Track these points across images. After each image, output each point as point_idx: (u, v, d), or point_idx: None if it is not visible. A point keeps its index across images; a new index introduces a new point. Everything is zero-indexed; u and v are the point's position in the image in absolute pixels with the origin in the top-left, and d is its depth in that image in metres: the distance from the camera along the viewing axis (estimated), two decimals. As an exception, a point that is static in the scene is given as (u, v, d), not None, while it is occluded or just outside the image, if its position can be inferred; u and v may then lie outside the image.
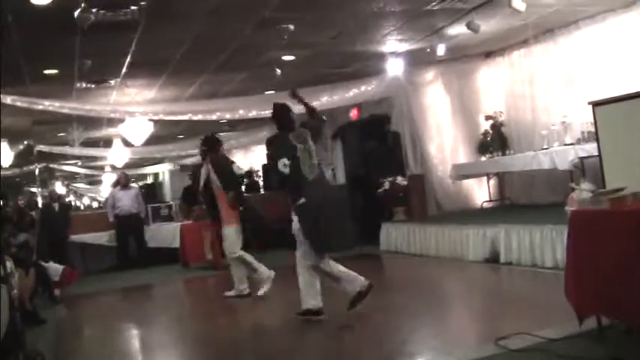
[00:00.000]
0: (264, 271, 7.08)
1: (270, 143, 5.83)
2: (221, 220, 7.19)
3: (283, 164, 5.44)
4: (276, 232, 11.92)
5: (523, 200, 10.45)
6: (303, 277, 5.55)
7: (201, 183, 7.55)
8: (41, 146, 14.96)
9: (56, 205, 11.68)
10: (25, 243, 8.36)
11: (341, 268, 5.50)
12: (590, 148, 7.35)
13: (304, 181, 5.41)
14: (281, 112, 5.76)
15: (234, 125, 16.36)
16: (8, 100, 8.88)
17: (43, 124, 12.67)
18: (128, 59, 8.64)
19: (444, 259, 8.57)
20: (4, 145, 12.33)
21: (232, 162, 7.69)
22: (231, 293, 7.18)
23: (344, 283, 5.44)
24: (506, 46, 10.63)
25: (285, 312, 6.25)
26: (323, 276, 5.53)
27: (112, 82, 9.98)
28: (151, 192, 13.99)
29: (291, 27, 7.88)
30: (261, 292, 6.99)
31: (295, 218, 5.49)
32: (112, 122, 12.81)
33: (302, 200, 5.36)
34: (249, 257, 7.11)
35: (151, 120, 11.63)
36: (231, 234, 7.08)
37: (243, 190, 11.23)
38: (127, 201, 11.61)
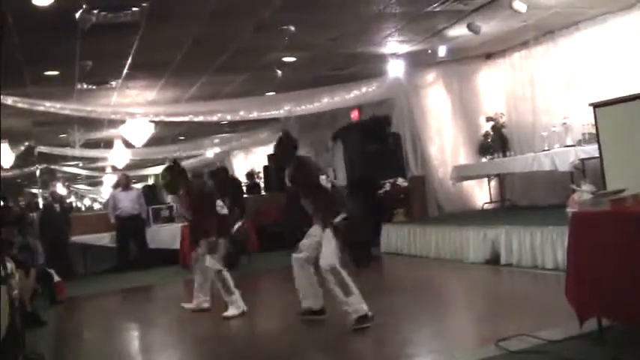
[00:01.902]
0: (238, 299, 6.31)
1: (302, 163, 5.57)
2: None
3: (325, 179, 5.44)
4: (274, 233, 11.95)
5: (524, 202, 10.45)
6: (302, 278, 5.52)
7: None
8: (42, 147, 14.97)
9: (57, 207, 11.68)
10: (26, 244, 8.34)
11: (352, 281, 5.32)
12: (591, 150, 7.34)
13: (340, 199, 5.48)
14: (293, 142, 5.68)
15: (234, 126, 16.38)
16: (9, 101, 8.90)
17: (44, 125, 12.68)
18: (129, 61, 8.65)
19: (445, 261, 8.57)
20: (5, 146, 12.35)
21: (211, 194, 6.69)
22: (191, 306, 6.69)
23: (354, 298, 5.18)
24: (506, 48, 10.63)
25: (285, 313, 6.24)
26: (337, 283, 5.24)
27: (113, 83, 9.99)
28: (152, 193, 13.96)
29: (292, 28, 7.89)
30: (228, 314, 6.22)
31: (319, 231, 5.38)
32: (112, 123, 12.84)
33: (343, 215, 5.30)
34: (228, 276, 6.37)
35: (151, 121, 11.65)
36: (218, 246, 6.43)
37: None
38: (128, 202, 11.61)
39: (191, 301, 6.76)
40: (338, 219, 5.29)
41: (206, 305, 6.61)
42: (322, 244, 5.29)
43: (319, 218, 5.42)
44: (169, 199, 12.74)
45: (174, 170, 6.60)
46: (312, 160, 5.75)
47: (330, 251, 5.24)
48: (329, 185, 5.45)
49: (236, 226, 6.58)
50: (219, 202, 6.55)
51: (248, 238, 6.73)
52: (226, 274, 6.35)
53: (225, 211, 6.60)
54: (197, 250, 6.65)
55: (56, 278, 8.27)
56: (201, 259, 6.52)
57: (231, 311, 6.22)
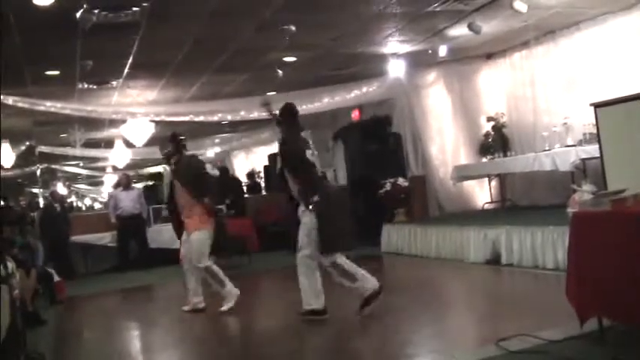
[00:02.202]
0: (232, 288, 6.37)
1: (290, 136, 5.62)
2: (186, 226, 6.40)
3: (311, 154, 5.49)
4: (275, 233, 11.96)
5: (524, 202, 10.45)
6: (305, 278, 5.52)
7: (166, 192, 6.80)
8: (43, 147, 14.98)
9: (57, 206, 11.69)
10: (27, 244, 8.36)
11: (355, 266, 5.49)
12: (592, 150, 7.34)
13: (319, 180, 5.54)
14: (293, 112, 5.75)
15: (235, 126, 16.38)
16: (10, 101, 8.90)
17: (45, 125, 12.69)
18: (130, 60, 8.65)
19: (445, 261, 8.57)
20: (6, 146, 12.35)
21: (203, 163, 6.78)
22: (187, 308, 6.60)
23: (361, 281, 5.41)
24: (507, 48, 10.64)
25: (286, 313, 6.24)
26: (340, 274, 5.44)
27: (114, 83, 10.00)
28: (153, 193, 13.98)
29: (293, 28, 7.89)
30: (224, 308, 6.30)
31: (308, 216, 5.44)
32: (113, 123, 12.84)
33: (316, 197, 5.37)
34: (216, 269, 6.34)
35: (152, 121, 11.64)
36: (202, 240, 6.30)
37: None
38: (129, 202, 11.61)
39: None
40: (315, 198, 5.35)
41: (201, 306, 6.56)
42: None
43: (302, 196, 5.46)
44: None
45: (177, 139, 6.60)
46: (303, 136, 5.67)
47: (310, 245, 5.41)
48: (315, 161, 5.49)
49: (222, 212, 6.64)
50: (208, 166, 6.61)
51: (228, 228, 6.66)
52: (214, 267, 6.34)
53: (216, 172, 6.65)
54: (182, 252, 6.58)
55: (56, 278, 8.28)
56: (187, 259, 6.46)
57: (228, 304, 6.25)
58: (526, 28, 8.99)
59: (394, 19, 8.11)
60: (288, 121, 5.72)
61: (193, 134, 17.48)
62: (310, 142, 5.65)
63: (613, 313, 3.84)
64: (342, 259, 5.45)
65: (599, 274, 3.82)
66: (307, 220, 5.45)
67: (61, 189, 21.37)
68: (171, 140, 6.58)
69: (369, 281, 5.41)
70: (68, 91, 10.07)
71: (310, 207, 5.38)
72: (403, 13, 7.89)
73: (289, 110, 5.76)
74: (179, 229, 6.62)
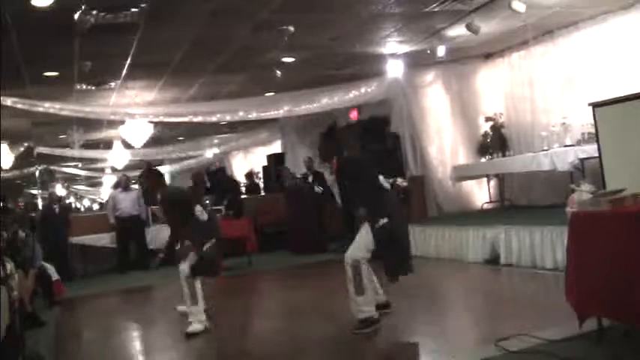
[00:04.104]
0: (201, 313, 5.87)
1: (357, 162, 5.43)
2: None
3: (383, 179, 5.36)
4: (274, 234, 11.97)
5: (523, 201, 10.45)
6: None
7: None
8: (41, 148, 14.97)
9: (56, 207, 11.69)
10: (27, 245, 8.34)
11: (372, 282, 5.28)
12: (590, 150, 7.35)
13: (389, 202, 5.29)
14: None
15: (234, 127, 16.38)
16: (8, 102, 8.90)
17: (44, 126, 12.67)
18: (128, 61, 8.65)
19: (444, 261, 8.57)
20: (4, 147, 12.34)
21: (191, 204, 6.08)
22: (184, 308, 6.24)
23: (364, 299, 5.07)
24: (505, 48, 10.64)
25: (285, 313, 6.25)
26: (353, 274, 5.12)
27: (112, 84, 9.99)
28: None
29: (291, 28, 7.89)
30: (191, 330, 5.72)
31: (366, 231, 5.13)
32: (112, 124, 12.84)
33: (384, 220, 5.08)
34: (199, 286, 5.96)
35: (151, 122, 11.64)
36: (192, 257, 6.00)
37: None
38: (128, 203, 11.61)
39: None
40: (381, 222, 5.05)
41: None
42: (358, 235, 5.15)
43: (364, 217, 5.17)
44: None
45: (152, 175, 6.13)
46: (357, 158, 5.54)
47: (357, 245, 5.13)
48: (388, 186, 5.36)
49: (206, 246, 6.11)
50: (198, 209, 6.03)
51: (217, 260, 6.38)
52: (198, 284, 5.94)
53: (205, 217, 6.05)
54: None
55: (55, 276, 8.26)
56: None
57: (194, 326, 5.74)
58: (525, 28, 8.99)
59: (392, 19, 8.11)
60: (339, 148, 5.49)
61: (192, 135, 17.52)
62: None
63: (612, 313, 3.85)
64: (364, 268, 5.12)
65: (597, 274, 3.82)
66: (369, 237, 5.12)
67: (59, 190, 21.39)
68: (147, 175, 6.14)
69: (370, 304, 5.09)
70: (67, 92, 10.07)
71: (376, 228, 5.07)
72: (401, 13, 7.89)
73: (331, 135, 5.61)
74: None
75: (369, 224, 5.10)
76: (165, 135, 15.65)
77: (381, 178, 5.35)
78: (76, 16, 6.41)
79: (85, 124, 12.86)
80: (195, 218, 5.93)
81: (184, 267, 5.95)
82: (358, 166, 5.36)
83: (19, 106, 9.21)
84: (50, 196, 12.91)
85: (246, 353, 5.12)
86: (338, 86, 10.99)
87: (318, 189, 11.19)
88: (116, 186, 13.32)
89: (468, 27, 8.21)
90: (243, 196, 13.34)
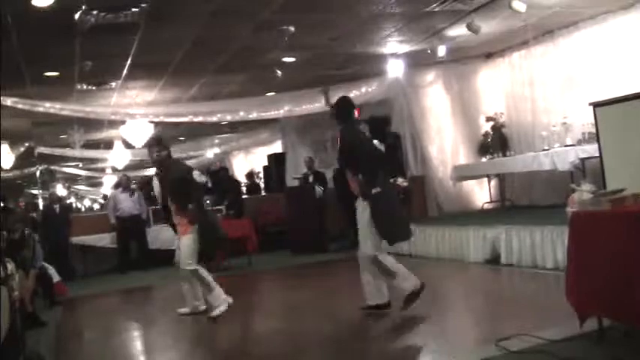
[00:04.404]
0: (220, 293, 6.14)
1: (351, 127, 5.64)
2: (178, 229, 6.29)
3: (378, 143, 5.51)
4: (274, 234, 11.97)
5: (524, 201, 10.45)
6: (368, 274, 5.47)
7: (159, 196, 6.51)
8: (42, 148, 14.98)
9: (57, 207, 11.69)
10: (27, 245, 8.33)
11: (397, 264, 5.49)
12: (591, 149, 7.35)
13: (380, 172, 5.47)
14: (349, 104, 5.74)
15: (234, 127, 16.39)
16: (9, 102, 8.90)
17: (44, 126, 12.69)
18: (129, 61, 8.65)
19: (445, 261, 8.57)
20: (5, 147, 12.35)
21: (190, 168, 6.56)
22: (186, 310, 6.53)
23: (399, 279, 5.41)
24: (506, 48, 10.64)
25: (286, 312, 6.25)
26: (379, 269, 5.43)
27: (113, 84, 10.00)
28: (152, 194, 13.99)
29: (292, 29, 7.89)
30: (215, 313, 6.04)
31: (363, 207, 5.40)
32: (112, 124, 12.84)
33: (377, 189, 5.33)
34: (205, 273, 6.16)
35: (151, 122, 11.64)
36: (189, 244, 6.12)
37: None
38: (129, 203, 11.61)
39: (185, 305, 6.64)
40: (374, 191, 5.24)
41: (202, 308, 6.49)
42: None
43: (359, 188, 5.39)
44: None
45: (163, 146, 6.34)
46: (359, 128, 5.72)
47: (364, 238, 5.37)
48: (383, 149, 5.50)
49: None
50: (195, 173, 6.34)
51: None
52: (203, 271, 6.16)
53: (202, 179, 6.40)
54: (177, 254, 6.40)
55: (56, 278, 8.26)
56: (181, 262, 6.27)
57: (217, 310, 6.02)
58: (525, 28, 8.99)
59: (393, 19, 8.12)
60: (343, 114, 5.68)
61: (192, 135, 17.51)
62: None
63: (612, 313, 3.84)
64: (384, 257, 5.44)
65: (598, 274, 3.82)
66: (365, 214, 5.38)
67: (60, 190, 21.39)
68: (157, 144, 6.39)
69: (408, 280, 5.39)
70: (67, 92, 10.07)
71: (367, 198, 5.30)
72: (402, 13, 7.89)
73: (345, 103, 5.75)
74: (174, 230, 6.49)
75: (362, 197, 5.36)
76: (165, 135, 15.62)
77: (375, 142, 5.55)
78: (77, 16, 6.42)
79: (86, 124, 12.86)
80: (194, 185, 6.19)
81: (187, 264, 6.06)
82: (359, 136, 5.61)
83: (20, 106, 9.22)
84: (51, 196, 12.92)
85: (246, 353, 5.12)
86: (338, 86, 10.98)
87: (318, 189, 11.20)
88: (117, 186, 13.32)
89: (469, 27, 8.21)
90: (243, 196, 13.34)
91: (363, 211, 5.42)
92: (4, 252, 5.57)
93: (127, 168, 18.11)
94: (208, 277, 6.16)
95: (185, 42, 8.05)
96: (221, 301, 6.09)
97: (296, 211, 11.33)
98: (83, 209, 31.08)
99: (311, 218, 11.03)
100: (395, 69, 10.36)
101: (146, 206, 11.94)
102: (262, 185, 16.34)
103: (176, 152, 18.58)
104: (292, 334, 5.44)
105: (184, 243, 6.17)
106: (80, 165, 20.22)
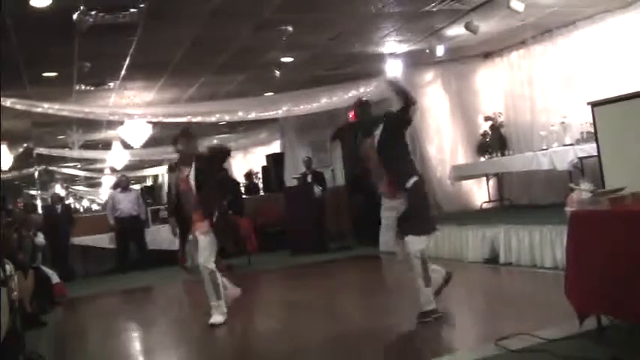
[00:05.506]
0: (223, 305, 5.99)
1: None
2: (194, 225, 6.03)
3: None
4: (274, 234, 11.98)
5: (522, 201, 10.45)
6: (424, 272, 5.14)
7: (173, 193, 6.22)
8: (40, 149, 14.97)
9: (58, 208, 11.71)
10: (27, 245, 8.34)
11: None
12: (590, 149, 7.35)
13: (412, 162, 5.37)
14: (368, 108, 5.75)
15: (233, 127, 16.38)
16: (7, 102, 8.89)
17: (43, 126, 12.67)
18: (127, 61, 8.64)
19: (444, 260, 8.54)
20: (4, 147, 12.34)
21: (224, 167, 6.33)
22: (219, 319, 6.01)
23: (433, 272, 5.27)
24: (504, 47, 10.64)
25: (286, 312, 6.25)
26: (422, 267, 5.12)
27: (111, 84, 9.98)
28: (151, 194, 14.00)
29: (290, 28, 7.88)
30: (216, 321, 5.87)
31: (394, 202, 5.14)
32: (111, 124, 12.83)
33: (415, 178, 5.14)
34: (219, 279, 6.00)
35: (150, 122, 11.64)
36: (209, 241, 5.94)
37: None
38: (127, 203, 11.61)
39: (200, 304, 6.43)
40: (410, 183, 5.06)
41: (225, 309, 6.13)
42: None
43: (392, 184, 5.12)
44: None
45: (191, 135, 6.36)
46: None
47: (410, 235, 5.08)
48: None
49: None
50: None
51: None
52: (219, 277, 5.96)
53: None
54: (185, 258, 6.24)
55: (56, 279, 8.26)
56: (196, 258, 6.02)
57: (218, 318, 5.88)
58: (523, 28, 9.00)
59: (391, 18, 8.12)
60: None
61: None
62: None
63: (612, 312, 3.85)
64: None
65: (597, 273, 3.83)
66: (393, 204, 5.15)
67: (59, 191, 21.38)
68: (188, 136, 6.51)
69: (437, 272, 5.36)
70: (66, 92, 10.06)
71: (408, 187, 5.05)
72: (400, 13, 7.89)
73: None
74: (182, 226, 6.20)
75: (391, 194, 5.15)
76: (164, 135, 15.62)
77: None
78: (75, 16, 6.40)
79: (85, 124, 12.85)
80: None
81: (207, 261, 5.86)
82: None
83: (19, 106, 9.20)
84: (52, 196, 12.93)
85: (246, 353, 5.12)
86: (337, 86, 11.00)
87: (317, 189, 11.21)
88: (116, 186, 13.32)
89: (467, 26, 8.21)
90: (243, 197, 13.34)
91: (399, 206, 5.11)
92: (3, 253, 5.57)
93: (126, 168, 18.09)
94: (221, 285, 6.00)
95: (184, 42, 8.04)
96: (222, 311, 5.95)
97: (295, 211, 11.34)
98: (82, 210, 31.07)
99: (310, 218, 11.04)
100: (393, 69, 10.34)
101: (145, 206, 11.95)
102: (261, 185, 16.34)
103: (175, 152, 18.62)
104: (292, 334, 5.45)
105: (205, 241, 5.93)
106: (79, 165, 20.21)
